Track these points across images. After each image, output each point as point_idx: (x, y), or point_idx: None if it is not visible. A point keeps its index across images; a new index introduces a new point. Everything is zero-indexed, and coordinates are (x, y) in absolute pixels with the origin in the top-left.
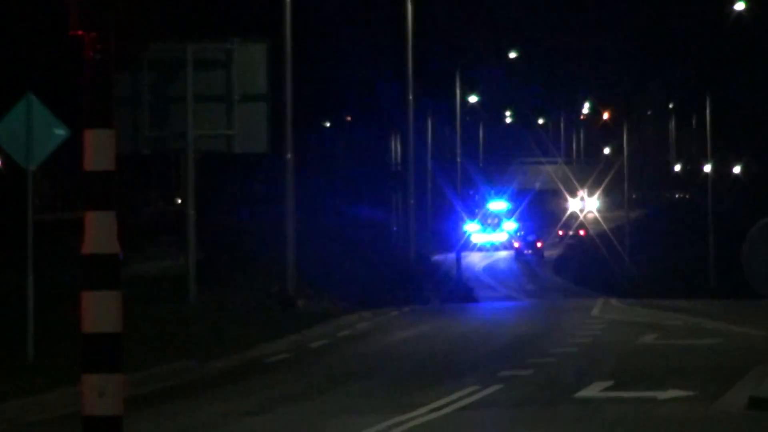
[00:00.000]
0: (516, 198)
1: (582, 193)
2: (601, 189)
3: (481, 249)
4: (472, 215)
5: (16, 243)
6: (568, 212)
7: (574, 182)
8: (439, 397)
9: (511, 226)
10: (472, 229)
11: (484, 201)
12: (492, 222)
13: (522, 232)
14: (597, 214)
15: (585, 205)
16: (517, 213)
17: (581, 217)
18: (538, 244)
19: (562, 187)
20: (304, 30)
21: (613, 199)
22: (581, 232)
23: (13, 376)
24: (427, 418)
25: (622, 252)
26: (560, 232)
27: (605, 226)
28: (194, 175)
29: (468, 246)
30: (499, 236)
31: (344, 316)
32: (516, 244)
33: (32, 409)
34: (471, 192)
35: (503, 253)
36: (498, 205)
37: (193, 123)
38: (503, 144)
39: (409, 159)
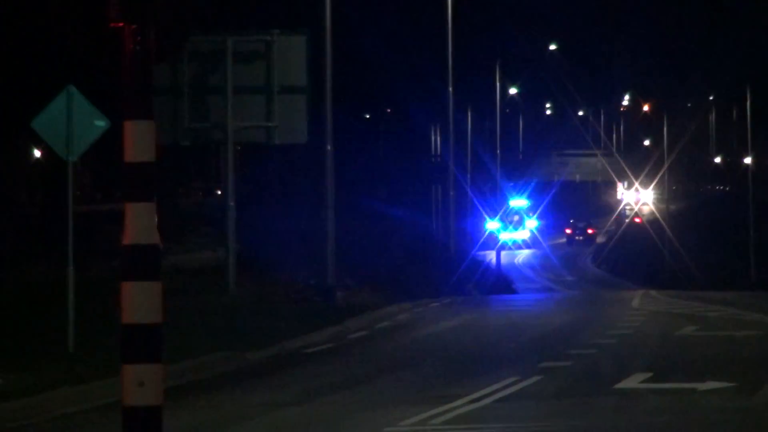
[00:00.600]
0: (541, 192)
1: (636, 184)
2: (655, 181)
3: (502, 248)
4: (493, 212)
5: (56, 234)
6: (623, 203)
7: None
8: (478, 388)
9: (532, 223)
10: (493, 227)
11: (505, 198)
12: (513, 220)
13: (572, 220)
14: (651, 206)
15: (639, 196)
16: (539, 209)
17: (636, 207)
18: (590, 231)
19: (615, 179)
20: (344, 21)
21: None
22: (637, 220)
23: (54, 367)
24: (466, 409)
25: (660, 244)
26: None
27: (660, 218)
28: (234, 167)
29: (490, 244)
30: (521, 234)
31: (384, 307)
32: (568, 231)
33: (73, 399)
34: (487, 188)
35: (526, 251)
36: (518, 202)
37: (232, 114)
38: (542, 136)
39: (449, 151)
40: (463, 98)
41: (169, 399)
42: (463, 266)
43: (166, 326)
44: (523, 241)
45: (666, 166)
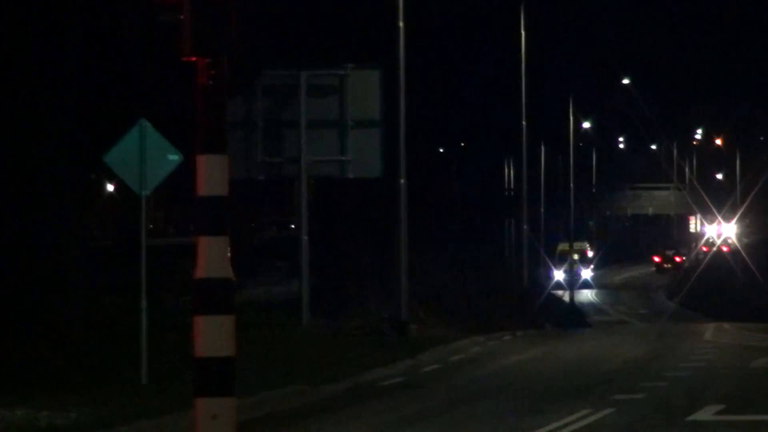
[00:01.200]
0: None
1: (719, 217)
2: (738, 215)
3: (578, 280)
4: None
5: (130, 267)
6: (705, 236)
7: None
8: (551, 421)
9: (589, 273)
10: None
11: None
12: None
13: (661, 249)
14: (735, 240)
15: (721, 230)
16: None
17: (718, 241)
18: (677, 259)
19: (697, 211)
20: (418, 55)
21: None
22: (724, 249)
23: (127, 400)
24: None
25: (739, 273)
26: (704, 249)
27: (743, 252)
28: (307, 201)
29: (563, 284)
30: (585, 273)
31: (457, 340)
32: (657, 259)
33: None
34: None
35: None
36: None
37: (306, 149)
38: (615, 170)
39: (522, 185)
40: (537, 132)
41: None
42: (536, 300)
43: (239, 359)
44: (585, 280)
45: (747, 201)
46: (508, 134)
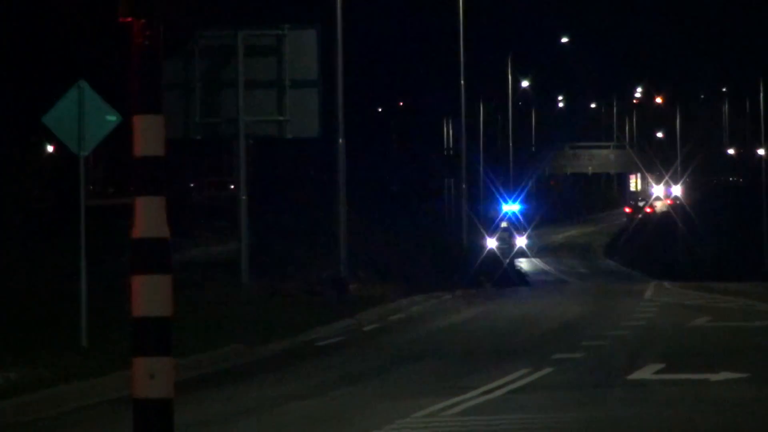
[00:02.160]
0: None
1: (667, 177)
2: (685, 176)
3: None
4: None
5: (69, 228)
6: (653, 197)
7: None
8: (491, 380)
9: (523, 240)
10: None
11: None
12: (508, 228)
13: (631, 201)
14: (683, 200)
15: (671, 191)
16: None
17: (666, 201)
18: (648, 210)
19: (645, 171)
20: (355, 15)
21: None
22: (648, 210)
23: (67, 360)
24: (479, 401)
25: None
26: (648, 209)
27: (692, 213)
28: (246, 161)
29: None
30: (520, 241)
31: (397, 300)
32: (628, 210)
33: (86, 393)
34: (499, 182)
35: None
36: (511, 207)
37: (244, 109)
38: (554, 129)
39: (462, 144)
40: (476, 91)
41: (181, 392)
42: (475, 259)
43: (178, 319)
44: (519, 248)
45: (693, 165)
46: (446, 94)
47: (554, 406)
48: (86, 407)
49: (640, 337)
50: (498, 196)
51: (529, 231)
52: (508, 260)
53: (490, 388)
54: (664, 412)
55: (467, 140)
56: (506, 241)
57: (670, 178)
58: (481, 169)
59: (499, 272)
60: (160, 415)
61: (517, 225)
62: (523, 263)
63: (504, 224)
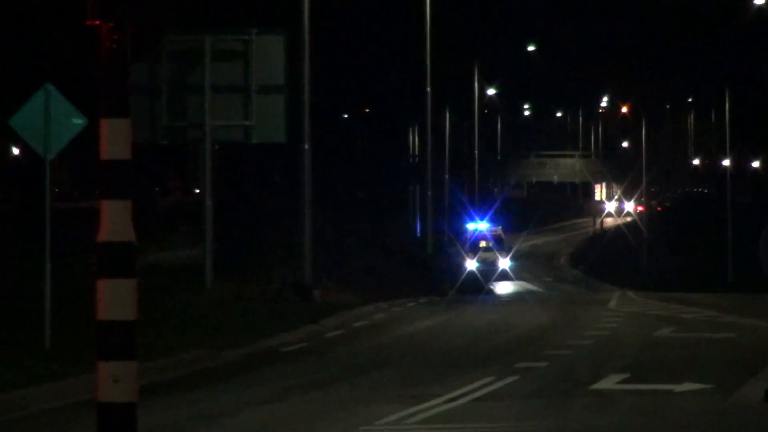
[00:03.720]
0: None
1: (619, 193)
2: (637, 194)
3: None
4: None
5: (34, 231)
6: (605, 212)
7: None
8: (454, 388)
9: (506, 262)
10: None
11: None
12: (486, 247)
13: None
14: (636, 217)
15: (625, 207)
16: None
17: (618, 219)
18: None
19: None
20: (322, 21)
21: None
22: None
23: (30, 363)
24: (442, 409)
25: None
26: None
27: (643, 229)
28: (212, 166)
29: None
30: (503, 262)
31: (360, 306)
32: (641, 208)
33: (49, 396)
34: (465, 189)
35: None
36: (478, 225)
37: (210, 113)
38: (520, 137)
39: (428, 152)
40: (442, 99)
41: (145, 396)
42: (440, 266)
43: (143, 324)
44: (503, 270)
45: (648, 180)
46: (413, 101)
47: (518, 415)
48: (49, 411)
49: (604, 347)
50: (465, 205)
51: (513, 252)
52: (489, 283)
53: (454, 396)
54: (627, 422)
55: (432, 148)
56: (488, 263)
57: (632, 190)
58: (447, 177)
59: (463, 280)
60: (124, 419)
61: (498, 243)
62: (507, 287)
63: (483, 243)
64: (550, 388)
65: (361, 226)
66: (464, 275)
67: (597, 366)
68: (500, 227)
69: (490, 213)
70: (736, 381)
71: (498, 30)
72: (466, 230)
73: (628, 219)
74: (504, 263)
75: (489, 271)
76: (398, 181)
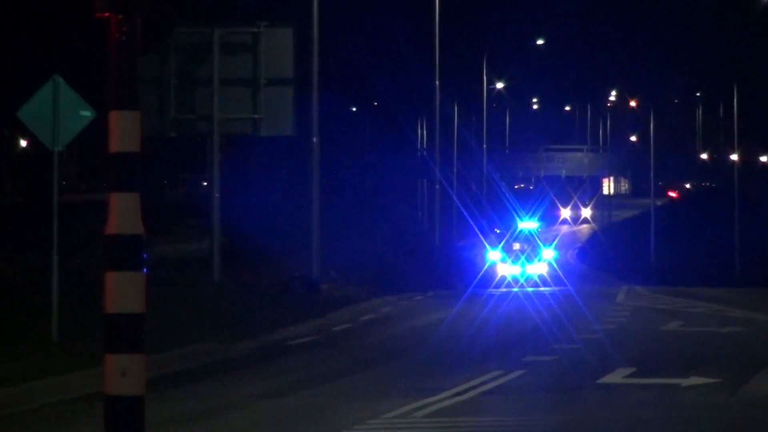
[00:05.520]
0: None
1: (577, 201)
2: (593, 201)
3: (508, 285)
4: (493, 238)
5: (41, 223)
6: (560, 219)
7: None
8: (462, 382)
9: (550, 253)
10: (494, 257)
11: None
12: (522, 249)
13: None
14: (593, 224)
15: (581, 213)
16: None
17: (574, 226)
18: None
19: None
20: (331, 14)
21: (638, 187)
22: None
23: (37, 356)
24: (450, 402)
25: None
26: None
27: (603, 239)
28: (220, 159)
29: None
30: (538, 267)
31: (368, 300)
32: (674, 194)
33: (56, 389)
34: (474, 183)
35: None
36: (528, 224)
37: (219, 106)
38: (529, 131)
39: (436, 145)
40: (450, 92)
41: (153, 389)
42: (448, 260)
43: (150, 317)
44: (540, 276)
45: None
46: (421, 94)
47: (525, 409)
48: (56, 403)
49: (611, 341)
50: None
51: (553, 255)
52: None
53: (461, 390)
54: (634, 417)
55: (441, 142)
56: (525, 256)
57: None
58: (455, 170)
59: (473, 275)
60: (131, 412)
61: (533, 247)
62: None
63: (516, 245)
64: (557, 383)
65: (369, 220)
66: (496, 280)
67: (604, 360)
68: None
69: (537, 210)
70: (744, 375)
71: (506, 24)
72: (510, 229)
73: (584, 227)
74: (539, 268)
75: (523, 275)
76: (406, 175)
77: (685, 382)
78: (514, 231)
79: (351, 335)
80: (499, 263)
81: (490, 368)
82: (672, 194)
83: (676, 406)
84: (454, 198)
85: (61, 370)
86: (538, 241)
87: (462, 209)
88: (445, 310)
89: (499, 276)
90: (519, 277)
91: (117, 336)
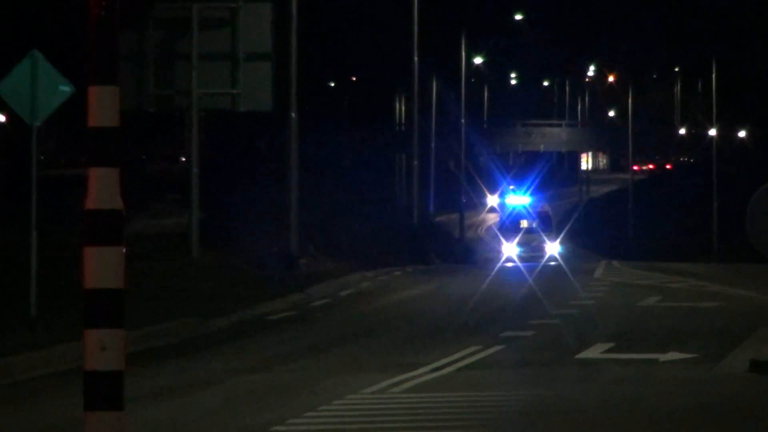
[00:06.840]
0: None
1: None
2: (498, 192)
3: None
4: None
5: (20, 198)
6: (488, 207)
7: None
8: (440, 357)
9: (556, 247)
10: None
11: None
12: (531, 227)
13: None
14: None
15: (488, 201)
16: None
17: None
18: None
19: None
20: None
21: (615, 162)
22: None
23: (16, 331)
24: (428, 378)
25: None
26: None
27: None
28: (198, 134)
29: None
30: (551, 248)
31: (346, 275)
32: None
33: (35, 364)
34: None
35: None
36: (518, 199)
37: (197, 81)
38: (507, 106)
39: (414, 119)
40: (429, 68)
41: (133, 364)
42: (427, 235)
43: (129, 292)
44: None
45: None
46: (399, 69)
47: (503, 384)
48: (35, 378)
49: (589, 317)
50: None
51: (562, 235)
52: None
53: (440, 365)
54: (612, 391)
55: (419, 116)
56: (532, 248)
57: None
58: (433, 145)
59: (448, 249)
60: (110, 387)
61: (545, 223)
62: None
63: (524, 223)
64: (535, 358)
65: (347, 195)
66: (501, 262)
67: (582, 335)
68: (546, 203)
69: (530, 184)
70: (722, 350)
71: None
72: (502, 206)
73: (492, 215)
74: (552, 248)
75: (533, 258)
76: (384, 150)
77: (664, 356)
78: (511, 210)
79: (330, 310)
80: (507, 246)
81: (468, 343)
82: (651, 167)
83: (653, 381)
84: (432, 173)
85: (41, 345)
86: (548, 220)
87: (440, 184)
88: (423, 285)
89: (505, 256)
90: (523, 253)
91: (96, 311)
